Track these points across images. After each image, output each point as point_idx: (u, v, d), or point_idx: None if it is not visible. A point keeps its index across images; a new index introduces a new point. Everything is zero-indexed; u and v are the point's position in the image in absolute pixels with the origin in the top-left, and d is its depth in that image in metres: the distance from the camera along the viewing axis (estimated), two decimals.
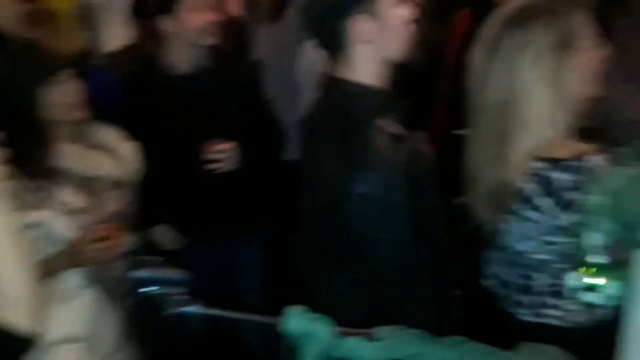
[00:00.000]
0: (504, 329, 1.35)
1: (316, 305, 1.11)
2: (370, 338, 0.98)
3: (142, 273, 1.08)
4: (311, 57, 2.20)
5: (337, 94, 1.32)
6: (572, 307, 1.23)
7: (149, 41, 1.94)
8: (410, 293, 1.31)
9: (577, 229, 0.77)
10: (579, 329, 1.25)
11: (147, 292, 1.07)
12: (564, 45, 1.17)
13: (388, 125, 1.26)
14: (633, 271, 0.82)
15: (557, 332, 1.25)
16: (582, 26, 1.19)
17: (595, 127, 1.66)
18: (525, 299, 1.29)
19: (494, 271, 1.38)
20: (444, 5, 2.74)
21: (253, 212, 2.01)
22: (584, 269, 0.85)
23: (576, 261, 0.87)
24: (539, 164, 1.17)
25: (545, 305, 1.27)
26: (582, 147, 1.17)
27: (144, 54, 1.96)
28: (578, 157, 1.13)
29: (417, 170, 1.33)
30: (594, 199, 0.71)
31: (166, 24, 1.85)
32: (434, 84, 2.44)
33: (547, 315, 1.27)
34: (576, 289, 0.90)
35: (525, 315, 1.30)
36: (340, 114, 1.28)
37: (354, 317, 1.12)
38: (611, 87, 1.97)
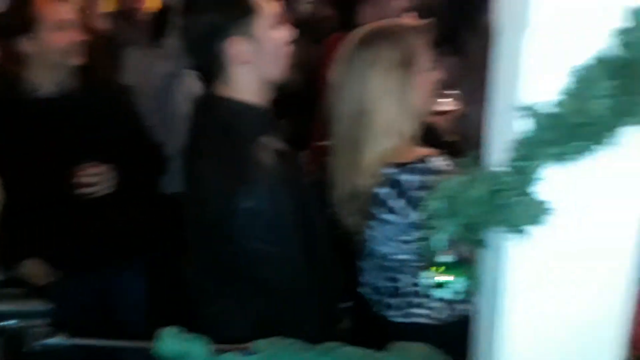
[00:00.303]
0: (382, 334, 1.43)
1: (204, 325, 1.10)
2: (247, 352, 0.99)
3: (1, 307, 1.01)
4: (190, 85, 2.16)
5: (220, 111, 1.33)
6: (435, 304, 1.34)
7: (9, 62, 1.82)
8: (298, 307, 1.34)
9: (425, 229, 0.85)
10: (444, 325, 1.36)
11: (6, 326, 1.00)
12: (406, 63, 1.30)
13: (271, 142, 1.29)
14: (480, 268, 0.93)
15: (425, 330, 1.35)
16: (422, 49, 1.34)
17: (457, 141, 1.83)
18: (394, 301, 1.38)
19: (367, 278, 1.46)
20: (319, 27, 2.86)
21: (131, 237, 1.94)
22: (433, 267, 0.94)
23: (427, 260, 0.96)
24: (389, 169, 1.28)
25: (411, 305, 1.36)
26: (426, 151, 1.30)
27: (3, 76, 1.84)
28: (422, 160, 1.27)
29: (301, 186, 1.37)
30: (433, 202, 0.79)
31: (27, 44, 1.75)
32: (311, 103, 2.53)
33: (414, 315, 1.36)
34: (428, 287, 0.99)
35: (396, 317, 1.39)
36: (224, 131, 1.29)
37: (243, 333, 1.12)
38: (471, 106, 2.17)
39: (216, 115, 1.34)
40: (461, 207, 0.78)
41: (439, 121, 2.08)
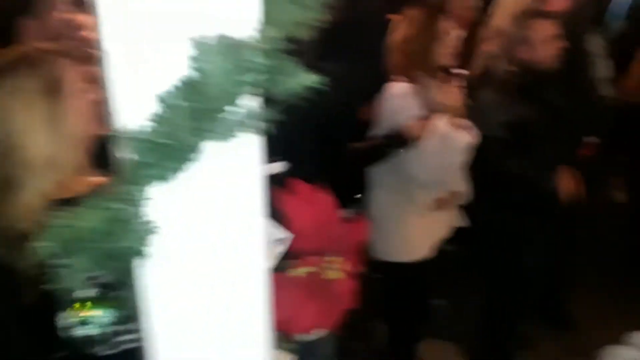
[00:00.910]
0: None
1: None
2: None
3: None
4: None
5: None
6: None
7: None
8: None
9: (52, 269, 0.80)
10: None
11: None
12: (52, 90, 1.24)
13: None
14: (129, 293, 0.92)
15: (137, 353, 1.32)
16: (69, 73, 1.28)
17: None
18: (97, 336, 1.31)
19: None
20: None
21: None
22: (77, 305, 0.91)
23: (66, 300, 0.92)
24: (56, 207, 1.20)
25: (117, 334, 1.31)
26: (96, 180, 1.24)
27: None
28: (91, 191, 1.20)
29: None
30: (47, 241, 0.76)
31: None
32: None
33: (123, 342, 1.31)
34: (71, 327, 0.95)
35: (105, 351, 1.32)
36: None
37: None
38: None
39: None
40: (81, 240, 0.77)
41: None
